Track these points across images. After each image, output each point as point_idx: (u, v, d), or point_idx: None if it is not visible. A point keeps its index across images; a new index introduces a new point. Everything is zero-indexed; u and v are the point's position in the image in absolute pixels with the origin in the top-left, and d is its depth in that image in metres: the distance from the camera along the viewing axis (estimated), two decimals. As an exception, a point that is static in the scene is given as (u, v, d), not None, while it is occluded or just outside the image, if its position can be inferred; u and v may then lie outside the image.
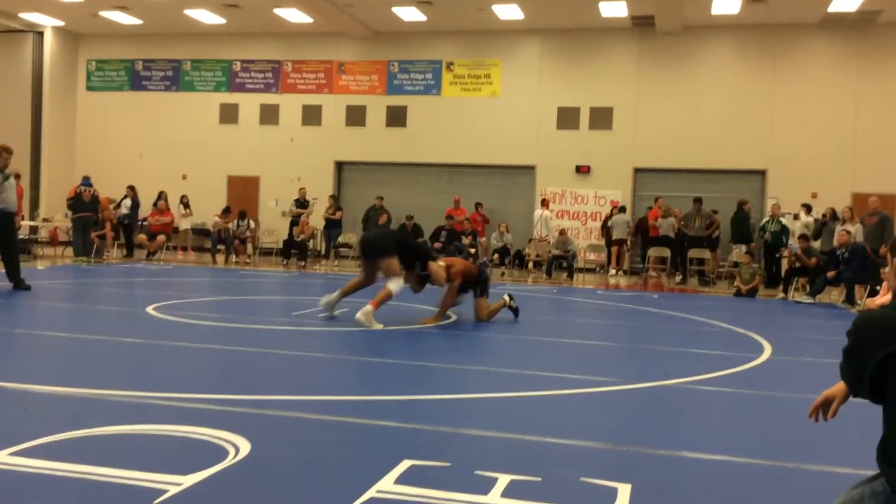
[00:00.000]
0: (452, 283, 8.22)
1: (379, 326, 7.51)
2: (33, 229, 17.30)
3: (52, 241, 18.49)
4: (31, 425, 3.75)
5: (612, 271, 17.12)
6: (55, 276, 12.57)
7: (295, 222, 18.07)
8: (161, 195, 18.42)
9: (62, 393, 4.54)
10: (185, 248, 18.55)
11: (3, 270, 10.03)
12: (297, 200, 18.46)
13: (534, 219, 18.07)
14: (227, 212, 18.26)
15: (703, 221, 16.41)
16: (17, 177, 14.90)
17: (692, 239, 16.19)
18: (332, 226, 18.32)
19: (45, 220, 18.77)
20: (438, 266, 8.22)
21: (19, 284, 9.90)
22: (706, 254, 16.31)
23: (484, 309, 8.45)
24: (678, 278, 16.12)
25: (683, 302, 12.20)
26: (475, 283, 8.45)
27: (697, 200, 16.51)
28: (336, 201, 18.89)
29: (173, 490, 2.94)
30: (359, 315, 7.57)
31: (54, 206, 20.11)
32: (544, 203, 18.04)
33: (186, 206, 18.82)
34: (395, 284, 7.83)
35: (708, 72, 18.26)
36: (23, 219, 16.87)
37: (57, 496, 2.88)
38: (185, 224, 18.88)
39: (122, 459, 3.27)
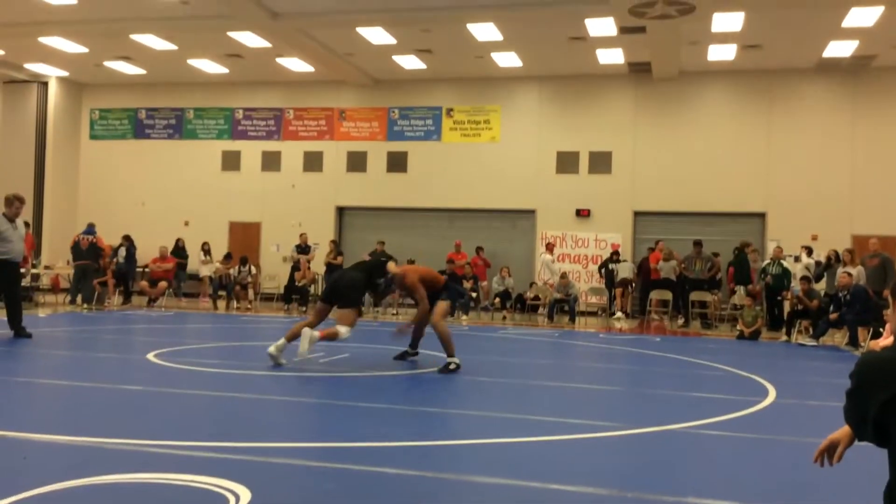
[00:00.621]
0: (417, 290, 8.18)
1: (306, 354, 7.63)
2: (35, 277, 17.30)
3: (54, 289, 18.48)
4: (32, 474, 3.72)
5: (620, 314, 17.00)
6: (56, 323, 12.55)
7: (296, 267, 18.08)
8: (178, 242, 18.80)
9: (63, 441, 4.51)
10: (210, 295, 18.25)
11: (5, 318, 10.01)
12: (298, 246, 18.50)
13: (537, 263, 18.09)
14: (228, 258, 18.29)
15: (703, 264, 16.43)
16: (28, 225, 14.99)
17: (693, 282, 16.19)
18: (334, 270, 18.31)
19: (46, 267, 18.79)
20: (393, 266, 8.37)
21: (20, 332, 9.88)
22: (708, 296, 16.29)
23: (440, 311, 8.18)
24: (680, 321, 16.07)
25: (686, 345, 12.15)
26: (441, 290, 8.43)
27: (697, 243, 16.54)
28: (337, 246, 18.93)
29: (173, 540, 2.91)
30: (302, 340, 7.58)
31: (56, 253, 20.15)
32: (549, 247, 18.05)
33: (207, 252, 18.82)
34: (345, 330, 7.82)
35: (705, 116, 18.46)
36: (34, 267, 16.92)
37: (55, 547, 2.84)
38: (205, 271, 18.79)
39: (122, 509, 3.24)
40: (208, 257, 18.87)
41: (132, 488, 3.60)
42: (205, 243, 19.14)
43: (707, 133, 18.34)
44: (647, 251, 17.54)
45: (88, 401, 6.05)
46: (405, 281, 8.19)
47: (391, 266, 8.32)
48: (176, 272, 18.32)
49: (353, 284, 8.12)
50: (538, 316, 16.87)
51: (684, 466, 4.52)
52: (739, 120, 18.26)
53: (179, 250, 18.83)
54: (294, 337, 7.93)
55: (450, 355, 7.96)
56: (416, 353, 8.73)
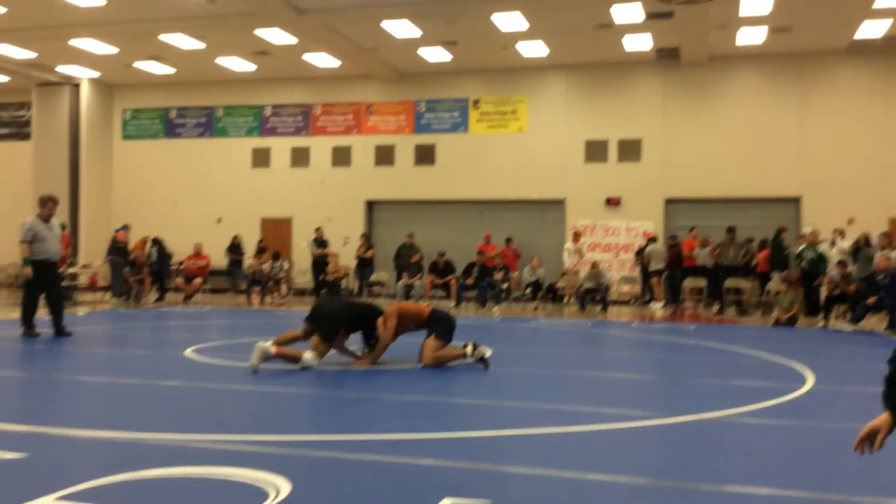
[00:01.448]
0: (386, 322, 7.75)
1: (255, 366, 7.19)
2: (73, 276, 17.60)
3: (92, 287, 18.80)
4: (76, 470, 3.80)
5: (658, 304, 16.82)
6: (95, 321, 12.78)
7: (320, 262, 18.15)
8: (234, 239, 18.99)
9: (106, 437, 4.61)
10: (243, 291, 18.23)
11: (47, 317, 10.21)
12: (315, 240, 18.59)
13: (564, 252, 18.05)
14: (261, 251, 18.46)
15: (737, 250, 16.25)
16: (63, 226, 15.27)
17: (728, 268, 16.03)
18: (365, 264, 18.44)
19: (84, 266, 19.11)
20: (380, 322, 7.82)
21: (61, 331, 10.08)
22: (743, 283, 16.12)
23: (430, 351, 7.67)
24: (715, 308, 15.92)
25: (721, 332, 12.04)
26: (423, 325, 7.89)
27: (731, 230, 16.37)
28: (368, 240, 19.03)
29: (217, 532, 2.96)
30: (259, 344, 7.23)
31: (93, 252, 20.49)
32: (574, 236, 17.94)
33: (263, 251, 18.57)
34: (312, 358, 7.40)
35: (735, 101, 18.22)
36: (70, 266, 17.23)
37: (103, 540, 2.91)
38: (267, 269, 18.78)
39: (166, 502, 3.30)
40: (263, 255, 18.73)
41: (175, 483, 3.67)
42: (260, 241, 19.23)
43: (738, 118, 18.11)
44: (670, 240, 17.32)
45: (129, 397, 6.16)
46: (387, 323, 7.74)
47: (378, 324, 7.79)
48: (231, 269, 18.50)
49: (335, 318, 7.70)
50: (570, 306, 16.82)
51: (722, 455, 4.49)
52: (771, 104, 18.01)
53: (236, 247, 18.93)
54: (282, 343, 7.61)
55: (464, 354, 7.69)
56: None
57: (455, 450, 4.42)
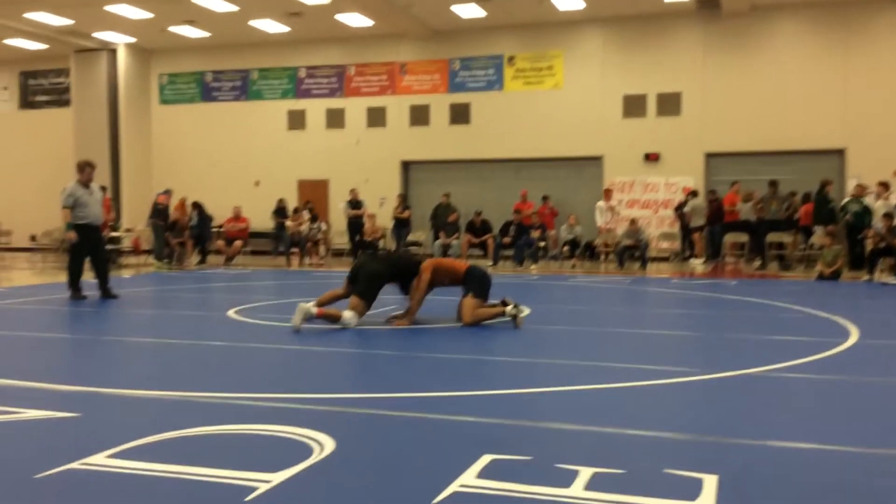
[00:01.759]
0: (420, 276, 7.75)
1: (298, 326, 7.25)
2: (116, 240, 17.94)
3: (135, 251, 19.15)
4: (126, 428, 3.91)
5: (699, 260, 16.62)
6: (140, 284, 13.03)
7: (356, 223, 18.21)
8: (280, 202, 19.05)
9: (153, 396, 4.73)
10: (282, 252, 18.34)
11: (94, 280, 10.44)
12: (349, 202, 18.64)
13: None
14: (295, 211, 18.62)
15: (779, 204, 15.95)
16: (104, 189, 15.45)
17: (770, 223, 15.76)
18: (402, 225, 18.49)
19: (127, 230, 19.45)
20: (415, 280, 7.84)
21: (107, 294, 10.31)
22: (785, 237, 15.85)
23: (469, 309, 7.66)
24: (757, 264, 15.71)
25: (764, 288, 11.89)
26: (459, 281, 7.89)
27: (773, 183, 16.06)
28: (404, 200, 19.05)
29: (263, 487, 3.04)
30: (301, 305, 7.32)
31: (135, 216, 20.83)
32: (606, 194, 17.67)
33: (314, 216, 18.46)
34: (351, 317, 7.46)
35: (777, 51, 17.72)
36: (112, 230, 17.57)
37: (155, 495, 3.00)
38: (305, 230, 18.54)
39: (214, 459, 3.39)
40: (311, 215, 18.71)
41: (222, 439, 3.76)
42: (307, 202, 19.19)
43: (780, 69, 17.62)
44: (710, 194, 17.03)
45: (175, 357, 6.30)
46: (421, 276, 7.78)
47: (416, 283, 7.82)
48: (278, 231, 18.69)
49: (374, 277, 7.72)
50: (608, 263, 16.72)
51: (765, 410, 4.46)
52: (814, 54, 17.48)
53: (281, 210, 19.00)
54: (324, 303, 7.74)
55: (503, 312, 7.70)
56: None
57: (495, 407, 4.45)
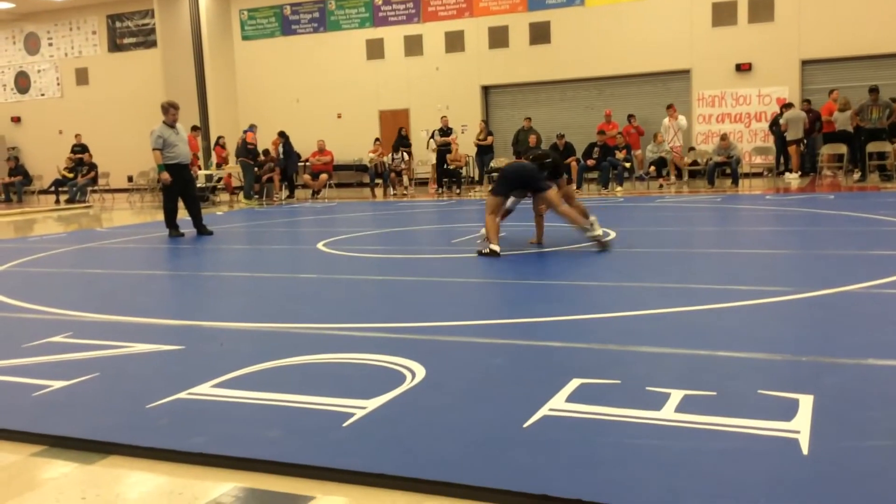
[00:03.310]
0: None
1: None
2: (209, 178, 18.50)
3: (227, 188, 19.73)
4: (227, 359, 4.10)
5: (794, 174, 15.96)
6: (233, 220, 13.46)
7: (444, 151, 18.14)
8: (401, 131, 18.80)
9: (252, 328, 4.93)
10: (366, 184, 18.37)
11: (189, 218, 10.85)
12: (440, 129, 18.55)
13: (695, 126, 17.23)
14: (376, 141, 18.71)
15: (880, 112, 15.06)
16: (196, 129, 15.87)
17: (870, 132, 14.93)
18: (484, 151, 18.35)
19: (218, 167, 20.00)
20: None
21: (202, 230, 10.70)
22: (887, 147, 15.01)
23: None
24: (857, 176, 14.98)
25: (863, 201, 11.36)
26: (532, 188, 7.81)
27: (873, 90, 15.12)
28: (486, 126, 18.86)
29: (359, 413, 3.15)
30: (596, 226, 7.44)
31: (224, 154, 21.37)
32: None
33: (447, 133, 18.22)
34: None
35: (882, -56, 16.44)
36: (199, 169, 18.13)
37: (259, 421, 3.16)
38: (388, 161, 18.52)
39: (312, 387, 3.53)
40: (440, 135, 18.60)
41: (318, 368, 3.90)
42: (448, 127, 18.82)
43: (885, -37, 16.38)
44: (804, 104, 16.17)
45: (270, 290, 6.53)
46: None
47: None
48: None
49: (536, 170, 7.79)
50: (698, 181, 16.25)
51: (864, 328, 4.31)
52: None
53: (402, 138, 18.83)
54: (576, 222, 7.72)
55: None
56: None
57: (584, 332, 4.46)
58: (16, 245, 10.73)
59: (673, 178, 16.56)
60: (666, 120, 16.89)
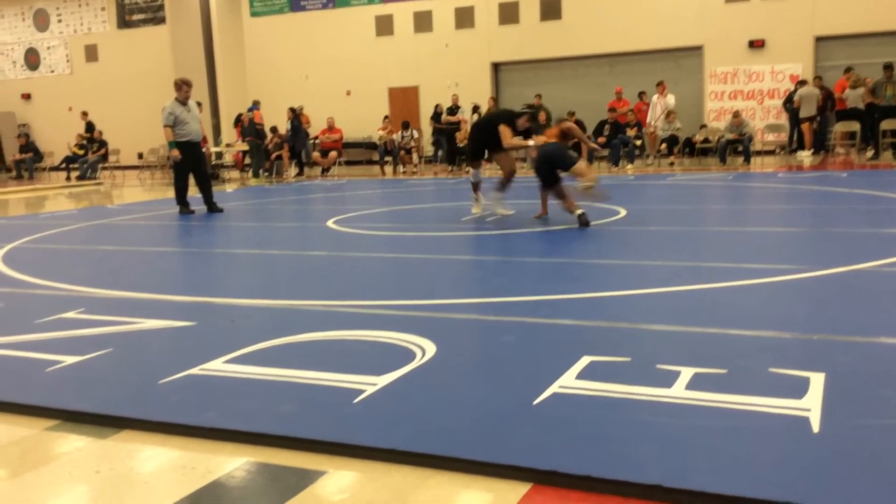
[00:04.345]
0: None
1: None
2: (218, 155, 18.51)
3: (237, 165, 19.73)
4: (239, 336, 4.12)
5: (807, 152, 15.82)
6: (243, 197, 13.47)
7: (453, 129, 18.04)
8: (437, 107, 18.60)
9: (263, 305, 4.94)
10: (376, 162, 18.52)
11: (199, 195, 10.87)
12: (449, 108, 18.45)
13: (706, 104, 17.06)
14: (385, 118, 18.64)
15: (895, 89, 14.88)
16: (199, 105, 15.79)
17: (884, 109, 14.77)
18: (496, 129, 18.19)
19: (227, 145, 20.00)
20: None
21: (213, 208, 10.72)
22: (902, 125, 14.85)
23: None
24: (870, 153, 14.84)
25: (876, 179, 11.26)
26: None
27: (888, 66, 14.94)
28: (496, 104, 18.74)
29: (370, 389, 3.17)
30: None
31: (234, 131, 21.35)
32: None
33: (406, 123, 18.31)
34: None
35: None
36: (215, 145, 18.13)
37: (270, 396, 3.17)
38: (397, 138, 18.36)
39: (323, 363, 3.55)
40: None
41: (329, 345, 3.92)
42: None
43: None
44: (816, 80, 15.96)
45: (280, 267, 6.55)
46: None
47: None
48: (437, 138, 18.40)
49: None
50: (709, 159, 16.15)
51: (876, 306, 4.29)
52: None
53: (438, 116, 18.57)
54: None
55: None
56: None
57: (594, 309, 4.45)
58: (27, 221, 10.78)
59: (651, 158, 16.40)
60: (655, 96, 16.73)
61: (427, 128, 19.48)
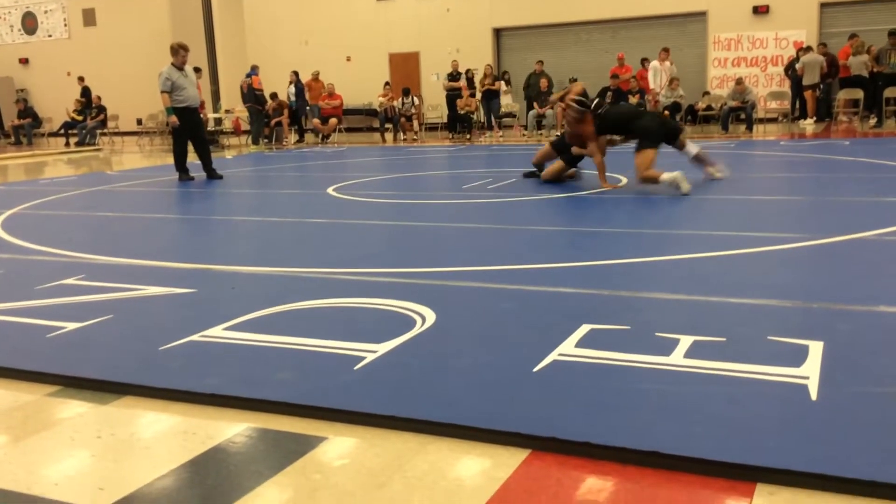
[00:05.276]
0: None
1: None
2: (217, 121, 18.39)
3: (236, 131, 19.62)
4: (240, 303, 4.13)
5: (810, 120, 15.72)
6: (242, 164, 13.42)
7: (454, 95, 17.89)
8: (468, 72, 18.30)
9: (263, 272, 4.95)
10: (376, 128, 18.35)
11: (198, 161, 10.82)
12: (449, 74, 18.30)
13: (710, 70, 16.91)
14: (386, 85, 18.50)
15: (901, 56, 14.77)
16: (198, 71, 15.66)
17: (888, 77, 14.65)
18: (492, 96, 18.07)
19: (227, 111, 19.87)
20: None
21: (212, 174, 10.68)
22: (905, 92, 14.74)
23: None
24: (873, 121, 14.76)
25: (880, 147, 11.20)
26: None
27: (893, 34, 14.80)
28: (493, 70, 18.56)
29: (370, 357, 3.17)
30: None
31: (233, 97, 21.19)
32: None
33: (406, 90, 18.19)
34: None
35: None
36: (214, 111, 18.01)
37: (271, 363, 3.19)
38: (398, 105, 18.24)
39: (323, 330, 3.56)
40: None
41: (329, 312, 3.93)
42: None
43: None
44: (820, 47, 15.80)
45: (280, 234, 6.54)
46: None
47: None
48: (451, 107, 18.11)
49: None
50: (711, 126, 16.05)
51: (875, 275, 4.29)
52: None
53: (470, 80, 18.16)
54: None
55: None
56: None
57: (594, 277, 4.45)
58: (27, 188, 10.75)
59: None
60: (656, 62, 16.57)
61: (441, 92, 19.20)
